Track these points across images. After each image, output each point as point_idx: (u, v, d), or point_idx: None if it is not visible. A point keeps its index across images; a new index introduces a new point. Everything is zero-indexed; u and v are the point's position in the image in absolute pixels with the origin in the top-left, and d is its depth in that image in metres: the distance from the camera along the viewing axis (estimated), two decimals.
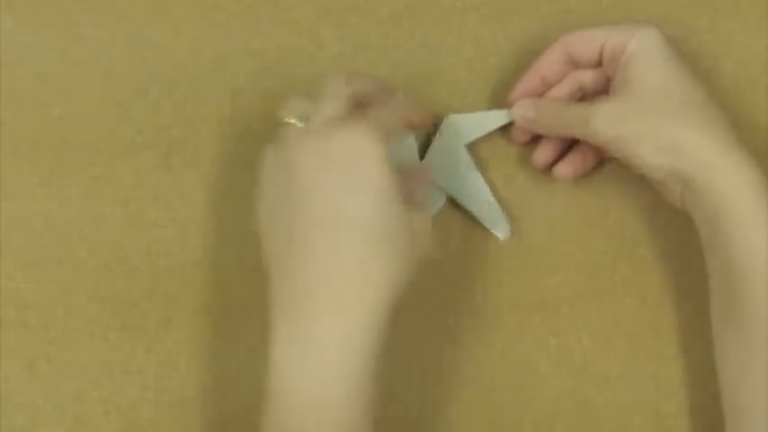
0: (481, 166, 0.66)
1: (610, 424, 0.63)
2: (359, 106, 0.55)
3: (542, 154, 0.65)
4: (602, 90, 0.64)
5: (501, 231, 0.65)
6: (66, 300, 0.64)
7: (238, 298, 0.64)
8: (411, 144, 0.65)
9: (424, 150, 0.65)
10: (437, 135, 0.65)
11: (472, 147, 0.65)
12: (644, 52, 0.59)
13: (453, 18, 0.69)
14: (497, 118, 0.65)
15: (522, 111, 0.64)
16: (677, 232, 0.64)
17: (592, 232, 0.66)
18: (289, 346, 0.52)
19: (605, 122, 0.59)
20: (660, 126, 0.58)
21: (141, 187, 0.66)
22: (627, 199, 0.66)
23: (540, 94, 0.65)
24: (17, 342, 0.64)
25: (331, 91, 0.55)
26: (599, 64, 0.63)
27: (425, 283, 0.65)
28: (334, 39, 0.69)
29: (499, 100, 0.67)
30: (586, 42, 0.63)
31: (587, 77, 0.64)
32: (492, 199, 0.65)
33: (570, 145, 0.65)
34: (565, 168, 0.64)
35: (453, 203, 0.65)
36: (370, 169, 0.52)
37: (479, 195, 0.65)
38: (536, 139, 0.65)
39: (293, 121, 0.54)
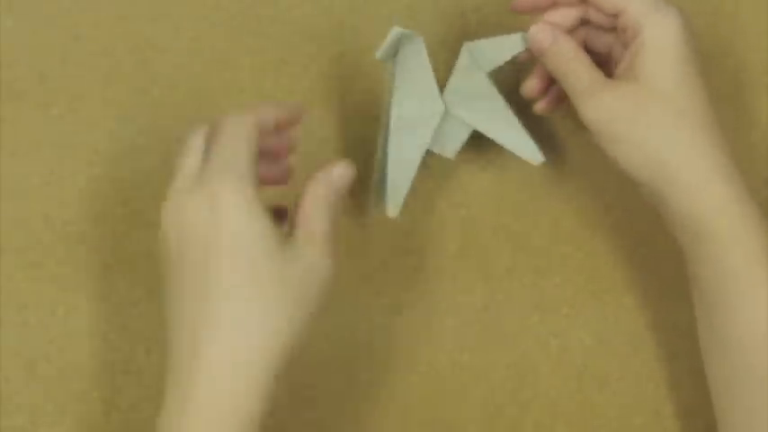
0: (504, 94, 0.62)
1: (610, 424, 0.63)
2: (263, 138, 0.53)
3: (532, 84, 0.62)
4: (607, 49, 0.61)
5: (533, 157, 0.61)
6: (66, 300, 0.64)
7: None
8: (420, 53, 0.60)
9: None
10: (456, 64, 0.61)
11: (493, 74, 0.62)
12: (658, 47, 0.56)
13: (453, 18, 0.69)
14: (516, 43, 0.61)
15: (540, 35, 0.59)
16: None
17: (592, 232, 0.66)
18: (172, 416, 0.50)
19: (598, 115, 0.56)
20: (650, 134, 0.56)
21: (141, 187, 0.66)
22: (627, 199, 0.66)
23: (544, 7, 0.61)
24: (17, 342, 0.64)
25: (189, 144, 0.54)
26: (608, 24, 0.60)
27: (425, 282, 0.65)
28: (335, 39, 0.69)
29: None
30: (606, 3, 0.58)
31: (597, 20, 0.60)
32: (519, 125, 0.61)
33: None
34: (545, 105, 0.62)
35: (478, 136, 0.62)
36: (226, 230, 0.50)
37: (507, 123, 0.61)
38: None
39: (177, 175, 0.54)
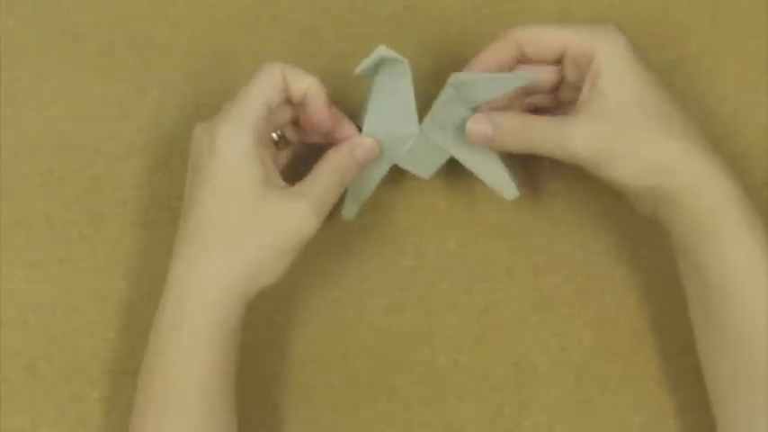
0: None
1: (610, 424, 0.63)
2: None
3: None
4: (553, 90, 0.62)
5: (508, 192, 0.62)
6: (66, 300, 0.64)
7: None
8: (403, 75, 0.59)
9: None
10: (440, 96, 0.60)
11: (476, 109, 0.61)
12: (615, 64, 0.57)
13: (453, 18, 0.69)
14: (503, 83, 0.59)
15: (478, 127, 0.58)
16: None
17: (592, 232, 0.66)
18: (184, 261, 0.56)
19: (584, 141, 0.56)
20: (642, 145, 0.56)
21: (141, 187, 0.66)
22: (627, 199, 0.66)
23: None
24: (17, 342, 0.64)
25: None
26: (553, 63, 0.60)
27: (425, 282, 0.65)
28: (335, 39, 0.69)
29: None
30: (546, 41, 0.59)
31: (541, 76, 0.61)
32: (497, 159, 0.61)
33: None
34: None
35: (454, 162, 0.62)
36: (214, 162, 0.56)
37: (484, 156, 0.61)
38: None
39: None
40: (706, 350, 0.58)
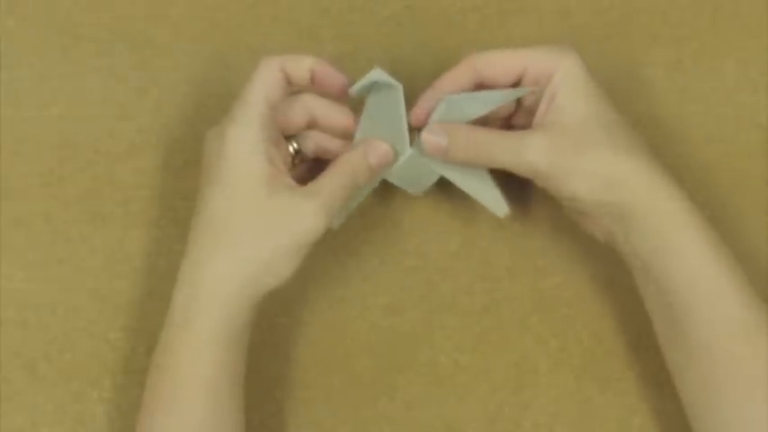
0: None
1: (610, 424, 0.63)
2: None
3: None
4: (508, 113, 0.62)
5: (498, 209, 0.62)
6: (66, 300, 0.64)
7: None
8: (396, 98, 0.59)
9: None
10: (432, 115, 0.60)
11: None
12: (572, 83, 0.58)
13: (453, 18, 0.69)
14: (494, 99, 0.59)
15: (433, 138, 0.58)
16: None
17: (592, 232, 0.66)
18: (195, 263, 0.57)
19: (541, 155, 0.56)
20: (598, 161, 0.56)
21: (141, 187, 0.66)
22: None
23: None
24: (17, 342, 0.64)
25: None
26: (511, 86, 0.60)
27: (425, 282, 0.65)
28: (334, 39, 0.69)
29: None
30: (503, 65, 0.59)
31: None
32: (487, 176, 0.61)
33: None
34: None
35: (445, 182, 0.62)
36: (223, 164, 0.56)
37: (475, 175, 0.61)
38: None
39: None
40: (674, 363, 0.58)
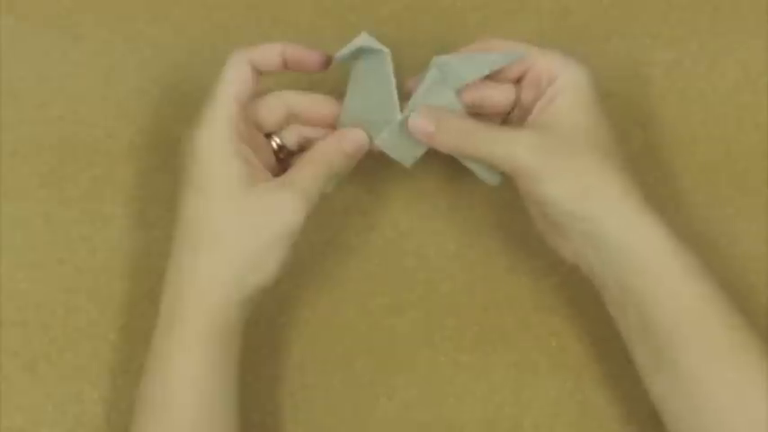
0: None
1: (610, 424, 0.63)
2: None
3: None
4: (502, 108, 0.61)
5: (491, 178, 0.61)
6: (66, 300, 0.64)
7: None
8: (385, 63, 0.58)
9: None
10: (424, 78, 0.58)
11: (461, 92, 0.60)
12: (576, 89, 0.58)
13: (453, 18, 0.69)
14: (489, 62, 0.59)
15: (421, 123, 0.58)
16: (677, 233, 0.64)
17: None
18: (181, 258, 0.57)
19: (527, 152, 0.56)
20: (583, 169, 0.56)
21: (141, 187, 0.66)
22: None
23: None
24: (17, 342, 0.64)
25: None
26: (512, 81, 0.60)
27: (425, 282, 0.65)
28: (335, 39, 0.69)
29: None
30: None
31: (495, 93, 0.61)
32: None
33: None
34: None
35: (454, 162, 0.61)
36: (196, 167, 0.56)
37: None
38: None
39: None
40: (660, 395, 0.57)
